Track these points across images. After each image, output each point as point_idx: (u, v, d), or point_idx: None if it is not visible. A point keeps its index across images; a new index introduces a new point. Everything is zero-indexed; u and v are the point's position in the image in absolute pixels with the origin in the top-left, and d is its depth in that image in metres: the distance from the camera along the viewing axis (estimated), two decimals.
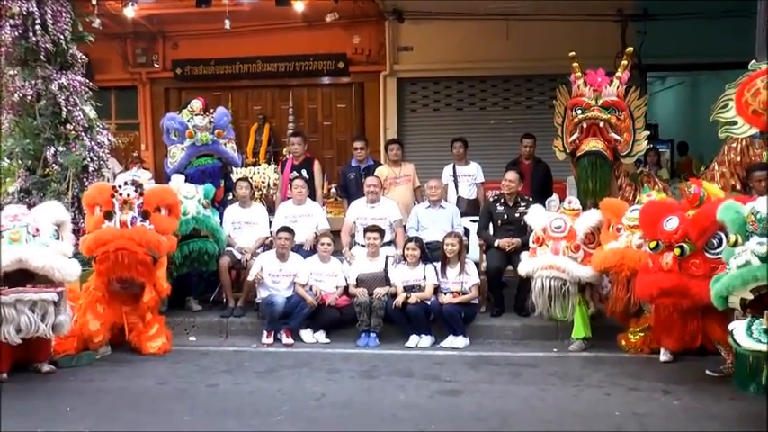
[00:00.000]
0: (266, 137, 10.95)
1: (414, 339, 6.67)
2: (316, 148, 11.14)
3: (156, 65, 11.61)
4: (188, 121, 7.84)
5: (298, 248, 7.46)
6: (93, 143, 7.76)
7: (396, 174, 8.44)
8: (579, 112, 6.87)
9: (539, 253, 6.27)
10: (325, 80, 11.37)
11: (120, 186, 6.31)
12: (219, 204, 8.05)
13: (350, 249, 7.49)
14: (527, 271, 6.31)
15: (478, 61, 10.92)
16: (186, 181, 7.71)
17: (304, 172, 8.37)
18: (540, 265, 6.18)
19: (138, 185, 6.37)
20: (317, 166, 8.64)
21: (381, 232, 7.15)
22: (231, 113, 10.92)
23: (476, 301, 6.88)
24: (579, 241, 6.15)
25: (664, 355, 5.80)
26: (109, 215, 6.16)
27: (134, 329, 6.45)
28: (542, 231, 6.30)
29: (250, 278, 7.11)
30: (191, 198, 7.22)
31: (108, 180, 7.92)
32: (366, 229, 7.19)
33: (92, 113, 8.01)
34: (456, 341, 6.60)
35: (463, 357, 6.22)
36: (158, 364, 6.12)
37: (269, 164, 10.50)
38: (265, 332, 6.88)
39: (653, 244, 5.33)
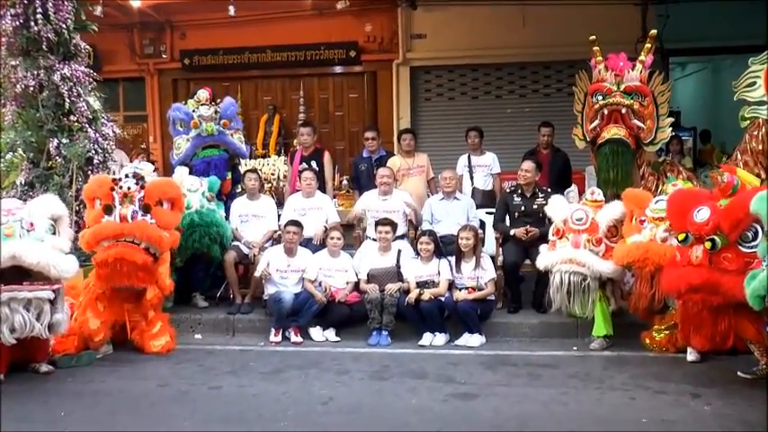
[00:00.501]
0: (276, 128, 10.68)
1: (427, 338, 6.39)
2: (327, 138, 10.88)
3: (163, 55, 11.37)
4: (193, 111, 7.60)
5: (307, 242, 7.20)
6: (97, 135, 7.61)
7: (409, 165, 8.15)
8: (600, 97, 6.58)
9: (558, 246, 5.97)
10: (337, 69, 11.08)
11: (120, 179, 6.08)
12: (227, 197, 7.82)
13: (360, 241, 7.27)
14: (545, 265, 6.01)
15: (494, 48, 10.59)
16: (191, 173, 7.52)
17: (314, 163, 8.11)
18: (560, 259, 5.87)
19: (139, 178, 6.14)
20: (327, 157, 8.37)
21: (393, 226, 6.87)
22: (240, 104, 10.82)
23: (492, 297, 6.59)
24: (601, 234, 5.84)
25: (691, 355, 5.48)
26: (108, 209, 5.92)
27: (136, 328, 6.22)
28: (563, 223, 6.00)
29: (257, 274, 6.86)
30: (194, 191, 6.99)
31: (114, 173, 7.78)
32: (378, 223, 6.90)
33: (96, 104, 7.86)
34: (471, 339, 6.32)
35: (479, 357, 5.94)
36: (161, 363, 5.88)
37: (279, 155, 10.23)
38: (273, 330, 6.63)
39: (682, 236, 4.99)
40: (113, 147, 7.94)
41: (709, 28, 10.07)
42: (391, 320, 6.45)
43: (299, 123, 10.40)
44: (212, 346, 6.45)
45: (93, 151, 7.43)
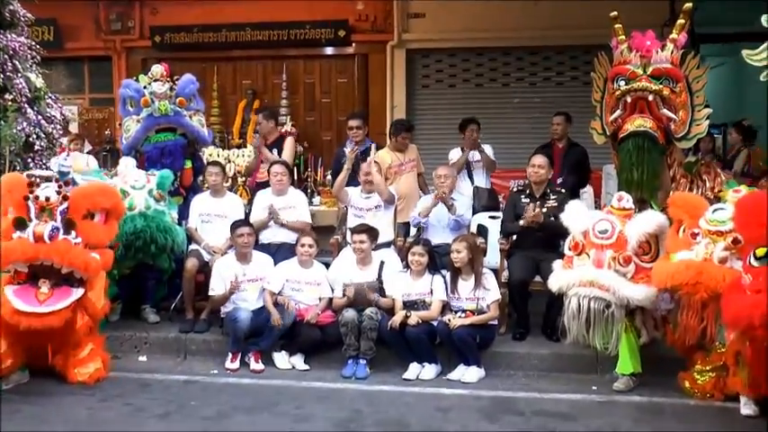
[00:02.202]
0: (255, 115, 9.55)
1: (414, 370, 5.27)
2: (312, 128, 9.76)
3: (132, 32, 10.22)
4: (145, 87, 6.50)
5: (278, 249, 6.11)
6: (39, 117, 6.57)
7: (401, 160, 7.01)
8: (623, 83, 5.42)
9: (576, 264, 4.81)
10: (325, 51, 9.92)
11: (37, 184, 4.93)
12: (188, 191, 6.72)
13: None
14: (559, 286, 4.86)
15: (501, 30, 9.40)
16: (144, 161, 6.46)
17: (275, 153, 7.03)
18: (578, 281, 4.71)
19: (62, 184, 5.03)
20: (288, 142, 7.30)
21: (372, 233, 5.72)
22: (216, 88, 9.73)
23: (494, 322, 5.46)
24: (630, 251, 4.67)
25: (747, 408, 4.33)
26: (21, 223, 4.74)
27: (60, 351, 5.09)
28: (582, 236, 4.85)
29: (213, 292, 5.76)
30: (139, 188, 5.87)
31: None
32: (352, 231, 5.78)
33: (38, 81, 6.85)
34: (468, 373, 5.20)
35: (476, 400, 4.79)
36: (82, 400, 4.74)
37: None
38: (230, 354, 5.53)
39: (762, 251, 3.84)
40: (60, 131, 6.89)
41: (744, 10, 8.86)
42: (370, 347, 5.33)
43: (281, 111, 9.31)
44: (152, 375, 5.32)
45: (35, 135, 6.40)
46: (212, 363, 5.61)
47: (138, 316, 6.25)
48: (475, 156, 7.21)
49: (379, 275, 5.57)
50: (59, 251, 4.74)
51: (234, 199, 6.62)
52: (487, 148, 7.33)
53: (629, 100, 5.37)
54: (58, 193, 4.92)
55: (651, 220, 4.74)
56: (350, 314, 5.35)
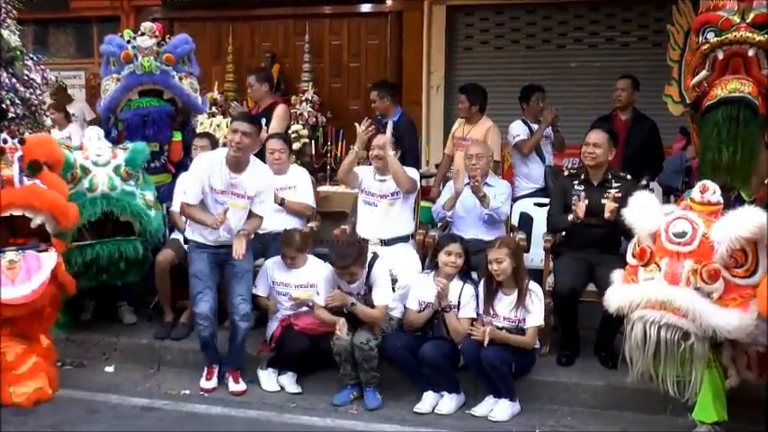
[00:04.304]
0: (273, 80, 8.46)
1: (429, 401, 4.19)
2: (338, 96, 8.62)
3: None
4: (128, 42, 5.53)
5: (274, 239, 5.04)
6: (15, 80, 5.66)
7: (463, 133, 6.00)
8: (712, 34, 4.12)
9: (642, 277, 3.58)
10: (353, 8, 8.71)
11: None
12: (177, 167, 5.73)
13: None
14: (619, 306, 3.64)
15: None
16: (125, 130, 5.53)
17: (263, 123, 5.94)
18: (644, 300, 3.48)
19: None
20: (278, 110, 6.20)
21: (360, 261, 4.43)
22: (233, 51, 8.66)
23: (535, 345, 4.28)
24: (719, 262, 3.42)
25: None
26: None
27: None
28: (651, 239, 3.61)
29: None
30: (102, 165, 4.84)
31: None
32: (334, 263, 4.55)
33: (12, 40, 5.93)
34: (498, 408, 4.11)
35: None
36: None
37: None
38: (205, 370, 4.53)
39: None
40: (42, 97, 5.97)
41: None
42: (372, 377, 4.23)
43: (302, 77, 8.19)
44: (107, 396, 4.38)
45: (9, 101, 5.49)
46: (187, 377, 4.72)
47: (114, 315, 5.36)
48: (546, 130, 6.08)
49: (368, 277, 4.37)
50: (38, 193, 4.12)
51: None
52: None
53: (720, 56, 4.08)
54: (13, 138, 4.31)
55: (748, 219, 3.44)
56: (342, 343, 4.23)
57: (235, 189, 4.34)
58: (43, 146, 4.48)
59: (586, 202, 4.47)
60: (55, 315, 4.49)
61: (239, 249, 4.24)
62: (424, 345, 4.19)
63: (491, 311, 4.17)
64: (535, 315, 4.13)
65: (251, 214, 4.43)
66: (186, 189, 4.45)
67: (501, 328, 4.13)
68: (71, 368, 4.86)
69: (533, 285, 4.22)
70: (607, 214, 4.39)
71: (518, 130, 6.12)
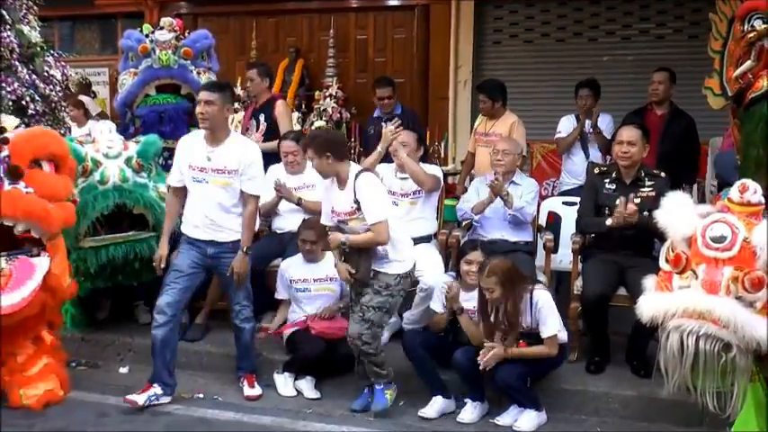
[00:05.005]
0: (297, 76, 8.29)
1: (436, 405, 4.05)
2: (363, 91, 8.40)
3: None
4: (146, 35, 5.48)
5: (290, 239, 4.90)
6: (34, 77, 5.65)
7: (486, 129, 5.82)
8: (760, 22, 3.91)
9: (677, 284, 3.33)
10: (380, 2, 8.53)
11: None
12: None
13: None
14: (653, 315, 3.40)
15: None
16: (140, 125, 5.45)
17: (262, 118, 5.84)
18: (680, 309, 3.23)
19: None
20: (280, 106, 5.96)
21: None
22: (256, 47, 8.54)
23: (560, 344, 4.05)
24: (762, 270, 3.17)
25: None
26: None
27: (7, 362, 4.09)
28: (687, 244, 3.38)
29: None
30: (113, 157, 4.73)
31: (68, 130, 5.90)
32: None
33: (33, 36, 5.94)
34: (524, 419, 3.91)
35: None
36: None
37: (299, 110, 7.96)
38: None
39: None
40: (60, 93, 5.94)
41: None
42: (377, 374, 4.02)
43: (326, 72, 8.02)
44: (117, 399, 4.21)
45: (29, 98, 5.47)
46: (202, 380, 4.59)
47: (130, 314, 5.29)
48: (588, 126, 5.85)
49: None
50: (11, 201, 3.84)
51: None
52: (604, 119, 5.87)
53: (767, 45, 3.83)
54: None
55: None
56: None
57: (213, 164, 4.07)
58: (33, 141, 4.17)
59: (633, 204, 4.19)
60: (45, 322, 4.25)
61: (237, 268, 4.09)
62: (457, 351, 4.00)
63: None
64: (551, 324, 3.87)
65: (245, 201, 4.13)
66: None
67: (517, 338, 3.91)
68: (85, 369, 4.78)
69: (537, 295, 3.89)
70: (614, 222, 4.17)
71: (562, 125, 5.94)
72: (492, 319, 3.88)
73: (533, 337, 3.90)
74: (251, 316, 4.30)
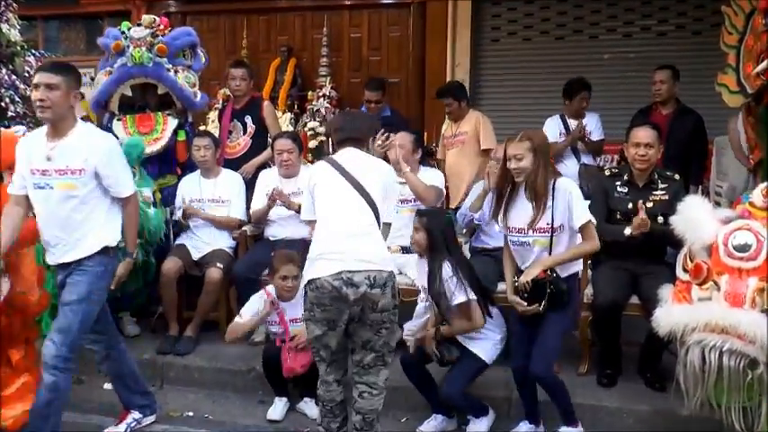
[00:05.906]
0: (289, 76, 8.04)
1: (434, 422, 3.86)
2: (357, 91, 8.18)
3: None
4: (122, 33, 5.23)
5: (287, 247, 4.66)
6: (14, 77, 5.63)
7: (453, 131, 5.78)
8: None
9: (697, 296, 3.14)
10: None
11: None
12: (183, 168, 5.43)
13: None
14: (671, 329, 3.19)
15: None
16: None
17: (248, 120, 5.60)
18: (701, 323, 3.04)
19: None
20: (266, 108, 5.73)
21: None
22: (247, 46, 8.30)
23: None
24: None
25: None
26: None
27: None
28: (706, 253, 3.16)
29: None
30: None
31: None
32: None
33: (13, 35, 5.75)
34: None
35: None
36: None
37: (290, 111, 7.72)
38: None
39: None
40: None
41: None
42: None
43: (319, 72, 7.78)
44: (102, 419, 3.99)
45: (8, 99, 5.48)
46: (193, 396, 4.36)
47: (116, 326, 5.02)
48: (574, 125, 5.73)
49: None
50: None
51: (231, 178, 5.16)
52: (591, 119, 5.78)
53: None
54: None
55: None
56: None
57: (56, 163, 3.31)
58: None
59: (649, 205, 3.98)
60: (21, 341, 3.96)
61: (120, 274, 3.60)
62: (442, 387, 3.73)
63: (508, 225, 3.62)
64: (579, 212, 3.45)
65: (123, 204, 3.53)
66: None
67: (531, 243, 3.54)
68: None
69: (561, 183, 3.51)
70: (634, 231, 3.92)
71: (550, 128, 5.70)
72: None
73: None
74: (58, 364, 3.52)
